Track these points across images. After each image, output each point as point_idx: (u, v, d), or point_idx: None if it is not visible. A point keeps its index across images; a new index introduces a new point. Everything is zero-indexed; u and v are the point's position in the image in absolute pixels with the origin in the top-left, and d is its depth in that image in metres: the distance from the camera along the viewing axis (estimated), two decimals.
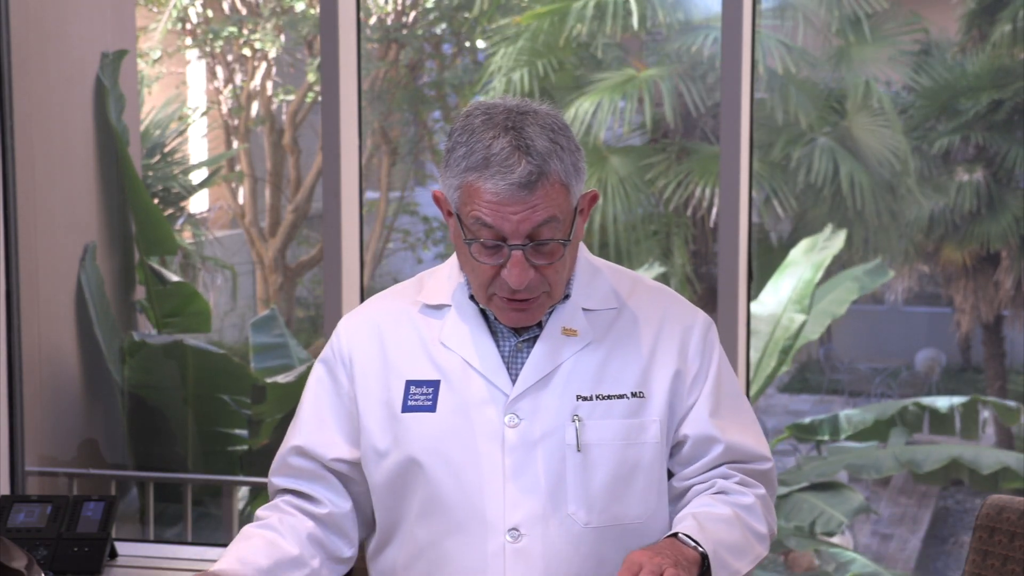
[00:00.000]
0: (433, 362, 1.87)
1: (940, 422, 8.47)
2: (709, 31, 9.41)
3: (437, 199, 1.85)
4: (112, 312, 5.44)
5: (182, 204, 8.81)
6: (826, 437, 8.45)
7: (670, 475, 1.92)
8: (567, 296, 1.88)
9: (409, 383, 1.87)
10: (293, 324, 10.37)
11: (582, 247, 1.93)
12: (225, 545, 1.98)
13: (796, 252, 8.28)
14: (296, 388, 5.66)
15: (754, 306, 7.94)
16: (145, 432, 5.67)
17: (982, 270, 10.52)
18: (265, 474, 2.03)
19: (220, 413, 5.70)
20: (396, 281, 2.07)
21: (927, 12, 10.27)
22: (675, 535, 1.78)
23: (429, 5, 10.35)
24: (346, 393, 1.91)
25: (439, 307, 1.90)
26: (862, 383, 12.49)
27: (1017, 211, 10.07)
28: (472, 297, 1.88)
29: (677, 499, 1.91)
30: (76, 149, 5.23)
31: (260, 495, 6.16)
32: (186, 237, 9.24)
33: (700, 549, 1.75)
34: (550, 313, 1.88)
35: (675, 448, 1.91)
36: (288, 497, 1.94)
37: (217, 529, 5.97)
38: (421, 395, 1.86)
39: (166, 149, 8.46)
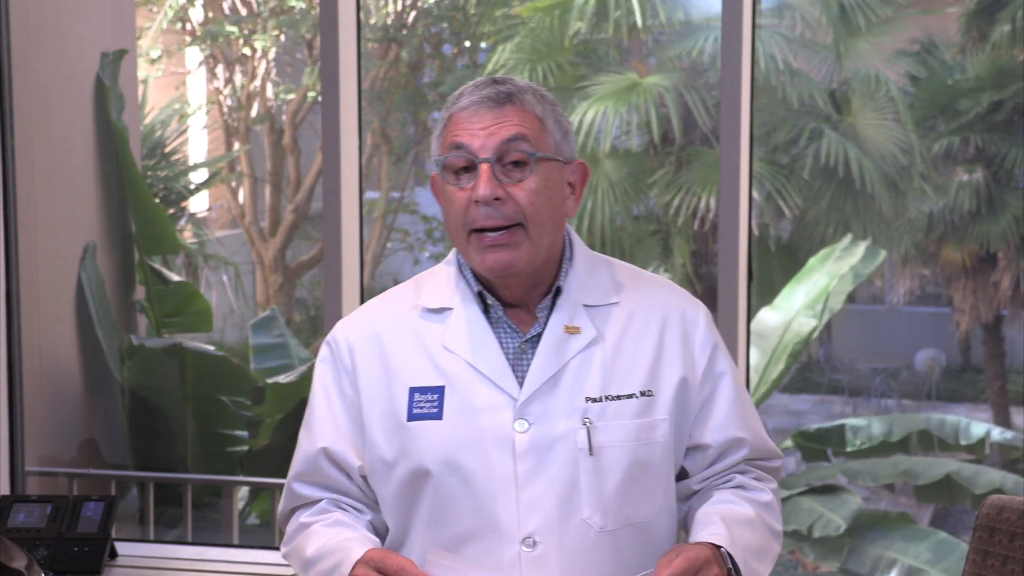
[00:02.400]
0: (437, 367, 1.83)
1: (947, 446, 8.48)
2: (709, 32, 9.41)
3: (433, 182, 1.86)
4: (112, 312, 5.44)
5: (183, 204, 8.81)
6: (831, 449, 8.46)
7: (685, 475, 1.91)
8: (559, 291, 1.85)
9: (413, 390, 1.83)
10: (293, 324, 10.37)
11: (579, 242, 1.91)
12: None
13: (815, 260, 8.28)
14: (296, 388, 5.66)
15: (768, 313, 7.94)
16: (145, 432, 5.67)
17: (982, 270, 10.52)
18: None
19: (220, 414, 5.70)
20: (396, 281, 2.01)
21: (926, 12, 10.27)
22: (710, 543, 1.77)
23: (432, 1, 10.35)
24: (352, 403, 1.87)
25: (440, 310, 1.87)
26: (862, 383, 12.49)
27: (1017, 211, 10.08)
28: (476, 296, 1.85)
29: (689, 497, 1.91)
30: (76, 149, 5.23)
31: (260, 495, 6.16)
32: (187, 237, 9.24)
33: (723, 550, 1.75)
34: (550, 310, 1.85)
35: (695, 452, 1.89)
36: (323, 504, 1.89)
37: (217, 530, 5.97)
38: (426, 402, 1.82)
39: (166, 149, 8.46)
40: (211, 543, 3.13)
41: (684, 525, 1.91)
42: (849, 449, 8.30)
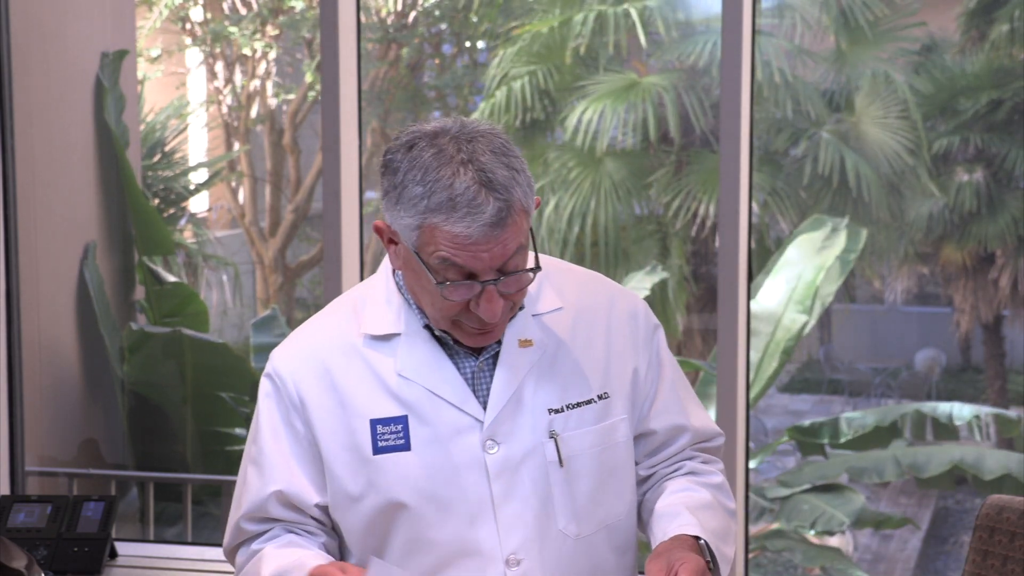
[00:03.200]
0: (395, 397, 1.78)
1: (942, 429, 8.45)
2: (709, 35, 9.41)
3: (379, 230, 1.76)
4: (112, 312, 5.45)
5: (183, 204, 8.82)
6: (826, 441, 8.44)
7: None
8: (521, 307, 1.83)
9: (375, 422, 1.77)
10: (293, 324, 10.37)
11: None
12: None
13: (792, 248, 8.23)
14: None
15: (751, 304, 7.90)
16: (145, 431, 5.68)
17: (982, 270, 10.52)
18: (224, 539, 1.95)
19: (219, 412, 5.71)
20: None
21: (926, 12, 10.27)
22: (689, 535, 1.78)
23: (431, 2, 10.35)
24: (304, 437, 1.80)
25: (387, 337, 1.80)
26: (862, 383, 12.49)
27: (1016, 211, 10.07)
28: (427, 326, 1.80)
29: (639, 484, 1.91)
30: (76, 149, 5.23)
31: None
32: (187, 237, 9.24)
33: (701, 541, 1.76)
34: None
35: (641, 439, 1.89)
36: (274, 531, 1.85)
37: (216, 529, 5.97)
38: (391, 434, 1.77)
39: (166, 148, 8.46)
40: (211, 543, 3.13)
41: (639, 516, 1.91)
42: (843, 440, 8.29)
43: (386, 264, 1.85)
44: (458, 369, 1.79)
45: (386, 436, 1.77)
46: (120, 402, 5.54)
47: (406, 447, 1.77)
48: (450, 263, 1.68)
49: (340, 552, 1.86)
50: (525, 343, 1.81)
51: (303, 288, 10.84)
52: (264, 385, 1.85)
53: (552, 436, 1.79)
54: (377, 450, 1.77)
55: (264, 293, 10.35)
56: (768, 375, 7.62)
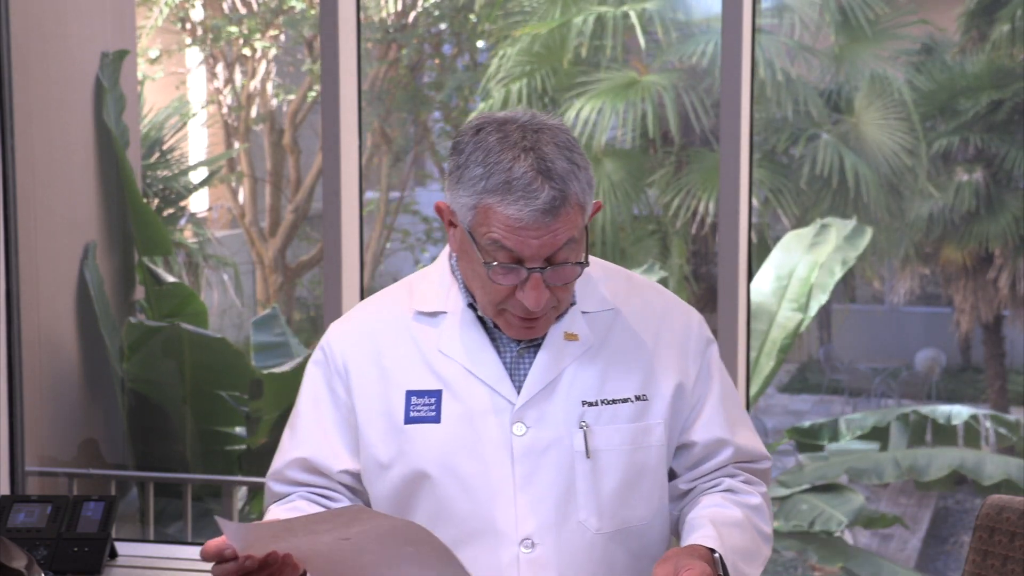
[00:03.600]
0: (433, 371, 1.83)
1: (941, 432, 8.46)
2: (710, 35, 9.41)
3: (440, 209, 1.82)
4: (112, 312, 5.45)
5: (182, 204, 8.81)
6: (825, 442, 8.44)
7: (673, 475, 1.92)
8: (572, 303, 1.86)
9: (410, 393, 1.83)
10: (293, 323, 10.37)
11: None
12: None
13: (782, 244, 8.21)
14: (293, 380, 5.66)
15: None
16: (145, 431, 5.68)
17: (981, 270, 10.53)
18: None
19: (219, 411, 5.71)
20: (396, 281, 2.01)
21: (926, 12, 10.27)
22: (703, 545, 1.77)
23: (430, 3, 10.35)
24: (344, 403, 1.87)
25: (434, 314, 1.86)
26: (862, 383, 12.49)
27: (1016, 211, 10.08)
28: (471, 305, 1.85)
29: (679, 499, 1.91)
30: (76, 149, 5.23)
31: (259, 495, 6.16)
32: (187, 236, 9.25)
33: (716, 555, 1.76)
34: None
35: (682, 451, 1.90)
36: (294, 496, 1.90)
37: (215, 532, 5.97)
38: (424, 406, 1.83)
39: (164, 147, 8.46)
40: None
41: (675, 529, 1.92)
42: (842, 441, 8.30)
43: (446, 248, 1.90)
44: (499, 352, 1.84)
45: (419, 407, 1.83)
46: (120, 402, 5.55)
47: (436, 419, 1.82)
48: (500, 246, 1.72)
49: None
50: (571, 336, 1.84)
51: (303, 287, 10.85)
52: (315, 354, 1.92)
53: (582, 427, 1.81)
54: (408, 419, 1.82)
55: (264, 293, 10.35)
56: (766, 374, 7.62)
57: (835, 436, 8.30)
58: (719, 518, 1.82)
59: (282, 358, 6.27)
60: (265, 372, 5.84)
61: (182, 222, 9.13)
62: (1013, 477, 7.59)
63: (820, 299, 7.87)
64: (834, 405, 12.28)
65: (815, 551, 7.76)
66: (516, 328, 1.80)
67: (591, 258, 1.92)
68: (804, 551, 7.87)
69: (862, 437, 8.34)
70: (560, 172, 1.72)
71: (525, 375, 1.83)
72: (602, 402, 1.83)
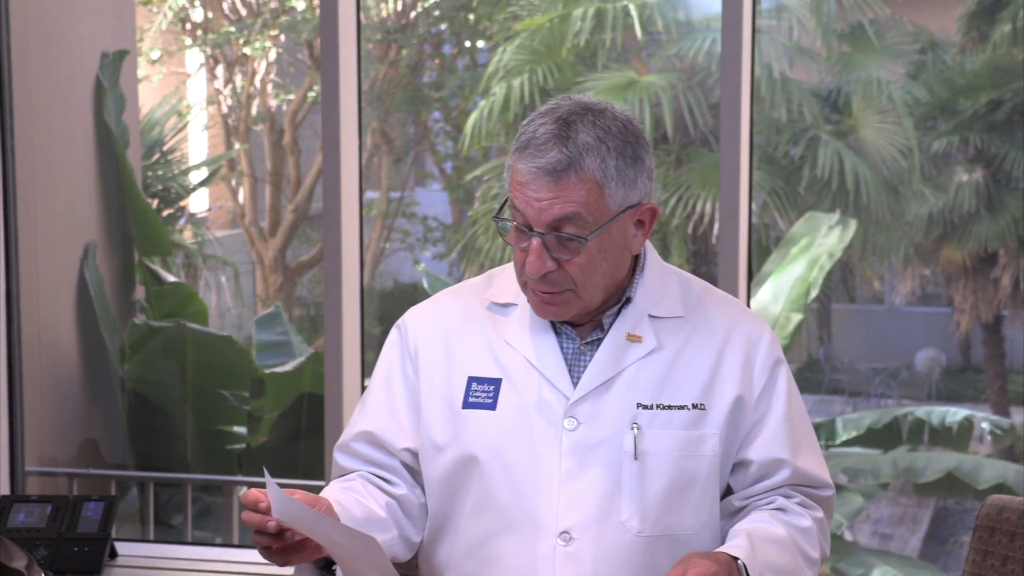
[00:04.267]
0: (496, 360, 1.87)
1: (937, 435, 8.46)
2: (708, 33, 9.41)
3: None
4: (112, 311, 5.45)
5: (182, 204, 8.81)
6: (823, 442, 8.44)
7: (730, 492, 1.90)
8: (629, 300, 1.86)
9: (471, 379, 1.87)
10: (294, 323, 10.36)
11: (653, 253, 1.91)
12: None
13: (796, 250, 8.24)
14: (295, 380, 5.67)
15: (752, 304, 7.88)
16: (145, 431, 5.68)
17: (982, 270, 10.52)
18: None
19: (220, 409, 5.71)
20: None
21: (926, 12, 10.27)
22: (728, 553, 1.76)
23: (429, 4, 10.35)
24: (412, 384, 1.92)
25: (506, 305, 1.90)
26: (862, 383, 12.48)
27: (1017, 211, 10.07)
28: None
29: (733, 516, 1.89)
30: (76, 149, 5.23)
31: None
32: (187, 237, 9.24)
33: (740, 562, 1.75)
34: (615, 317, 1.86)
35: (739, 468, 1.88)
36: (363, 472, 1.94)
37: (218, 528, 5.98)
38: (482, 392, 1.86)
39: (164, 147, 8.46)
40: (211, 543, 3.14)
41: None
42: (839, 441, 8.29)
43: None
44: (561, 348, 1.86)
45: (477, 393, 1.87)
46: (120, 402, 5.54)
47: (492, 407, 1.85)
48: (513, 206, 1.78)
49: (421, 509, 1.93)
50: (633, 337, 1.85)
51: (303, 287, 10.84)
52: (391, 334, 1.98)
53: (633, 428, 1.82)
54: (466, 404, 1.86)
55: (264, 293, 10.35)
56: None
57: (832, 436, 8.30)
58: (758, 532, 1.80)
59: (284, 357, 6.26)
60: (267, 372, 5.84)
61: (181, 222, 9.13)
62: (1009, 482, 7.58)
63: (811, 295, 7.89)
64: (834, 405, 12.27)
65: None
66: (536, 304, 1.83)
67: (669, 266, 1.93)
68: None
69: (859, 437, 8.33)
70: (580, 143, 1.74)
71: (584, 371, 1.84)
72: (657, 406, 1.83)
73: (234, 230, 10.61)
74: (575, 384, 1.83)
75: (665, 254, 9.68)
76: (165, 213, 8.25)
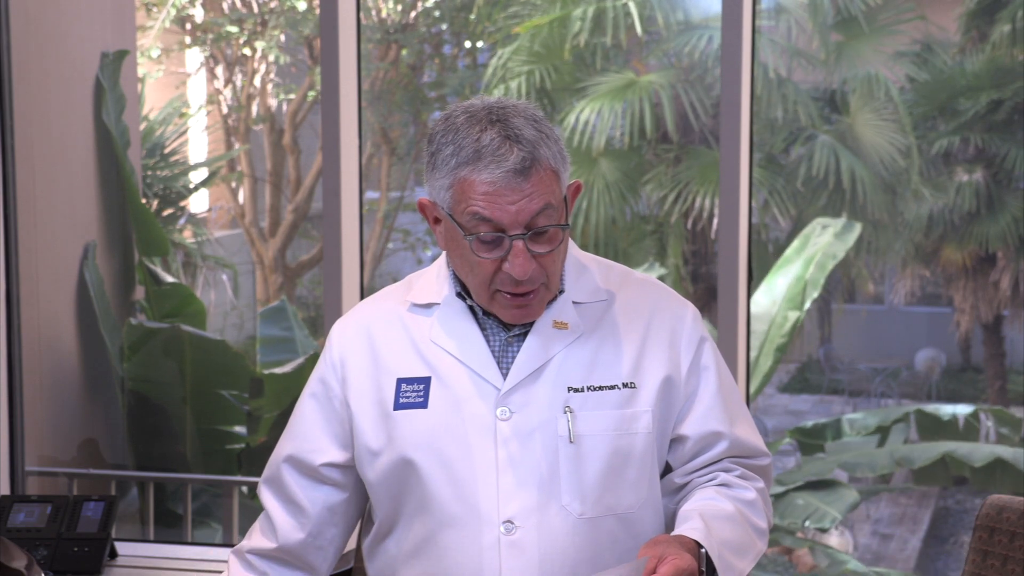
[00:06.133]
0: (423, 359, 1.88)
1: (942, 429, 8.47)
2: (707, 31, 9.42)
3: (423, 207, 1.85)
4: (112, 312, 5.45)
5: (182, 204, 8.81)
6: (828, 442, 8.45)
7: (669, 469, 1.92)
8: (561, 291, 1.88)
9: (400, 381, 1.88)
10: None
11: (570, 244, 1.93)
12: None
13: (791, 250, 8.25)
14: (294, 379, 5.68)
15: (751, 304, 7.89)
16: (145, 431, 5.68)
17: (982, 270, 10.52)
18: (262, 472, 2.04)
19: (219, 409, 5.71)
20: (396, 281, 2.05)
21: (926, 12, 10.27)
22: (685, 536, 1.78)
23: (430, 4, 10.35)
24: (337, 396, 1.92)
25: (428, 306, 1.91)
26: (862, 383, 12.49)
27: (1017, 211, 10.07)
28: (459, 295, 1.89)
29: (675, 492, 1.92)
30: (76, 149, 5.23)
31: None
32: (187, 237, 9.24)
33: (703, 550, 1.76)
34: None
35: (675, 444, 1.91)
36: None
37: (217, 509, 5.99)
38: (412, 392, 1.87)
39: (166, 150, 8.46)
40: (211, 543, 3.14)
41: (671, 523, 1.92)
42: (844, 440, 8.31)
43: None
44: (487, 341, 1.87)
45: (408, 394, 1.87)
46: (120, 402, 5.55)
47: (423, 405, 1.86)
48: (480, 217, 1.76)
49: (349, 514, 1.97)
50: (560, 325, 1.87)
51: (303, 287, 10.85)
52: (322, 354, 1.99)
53: (567, 412, 1.83)
54: (397, 405, 1.87)
55: (264, 293, 10.35)
56: (763, 373, 7.63)
57: (838, 436, 8.31)
58: (709, 511, 1.83)
59: (288, 353, 6.27)
60: (266, 372, 5.85)
61: (181, 222, 9.13)
62: (1007, 458, 7.58)
63: (812, 295, 7.90)
64: (834, 405, 12.28)
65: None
66: (510, 310, 1.83)
67: (586, 254, 1.95)
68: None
69: (864, 436, 8.34)
70: (528, 137, 1.76)
71: (512, 362, 1.86)
72: (588, 388, 1.85)
73: (234, 230, 10.61)
74: (505, 376, 1.85)
75: (664, 254, 9.68)
76: (165, 213, 8.25)
